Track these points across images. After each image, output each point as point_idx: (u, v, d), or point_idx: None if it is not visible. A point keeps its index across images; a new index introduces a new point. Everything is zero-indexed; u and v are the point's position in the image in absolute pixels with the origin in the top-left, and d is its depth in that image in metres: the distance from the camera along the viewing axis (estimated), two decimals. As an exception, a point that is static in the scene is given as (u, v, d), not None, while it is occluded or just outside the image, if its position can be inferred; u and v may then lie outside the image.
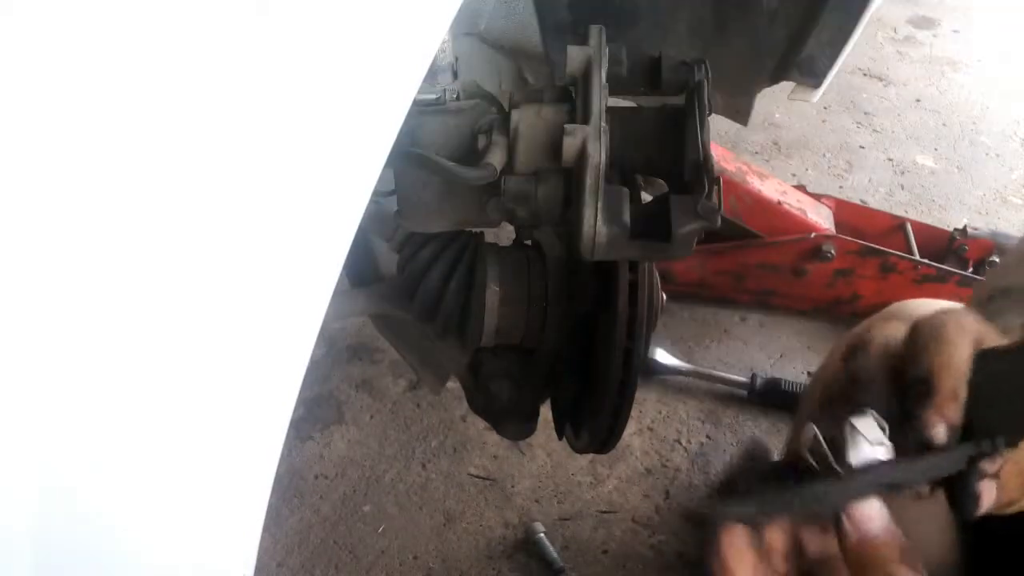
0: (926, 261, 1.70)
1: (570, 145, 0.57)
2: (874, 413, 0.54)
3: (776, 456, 0.59)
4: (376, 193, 0.45)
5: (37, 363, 0.32)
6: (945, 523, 0.84)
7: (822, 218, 1.75)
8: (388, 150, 0.42)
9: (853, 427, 0.53)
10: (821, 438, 0.53)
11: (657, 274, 0.74)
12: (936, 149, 2.41)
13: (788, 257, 1.70)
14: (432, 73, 0.68)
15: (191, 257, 0.35)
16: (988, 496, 0.52)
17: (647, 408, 1.57)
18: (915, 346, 0.55)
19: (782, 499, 0.52)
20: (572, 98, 0.64)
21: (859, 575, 0.50)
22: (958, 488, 0.53)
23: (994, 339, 0.54)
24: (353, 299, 0.85)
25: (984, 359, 0.53)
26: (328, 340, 1.73)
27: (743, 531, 0.52)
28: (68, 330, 0.33)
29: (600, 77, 0.59)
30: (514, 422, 0.81)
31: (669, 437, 1.54)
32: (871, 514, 0.50)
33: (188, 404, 0.38)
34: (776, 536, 0.53)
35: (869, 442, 0.52)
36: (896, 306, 1.04)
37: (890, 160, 2.35)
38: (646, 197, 0.71)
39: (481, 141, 0.66)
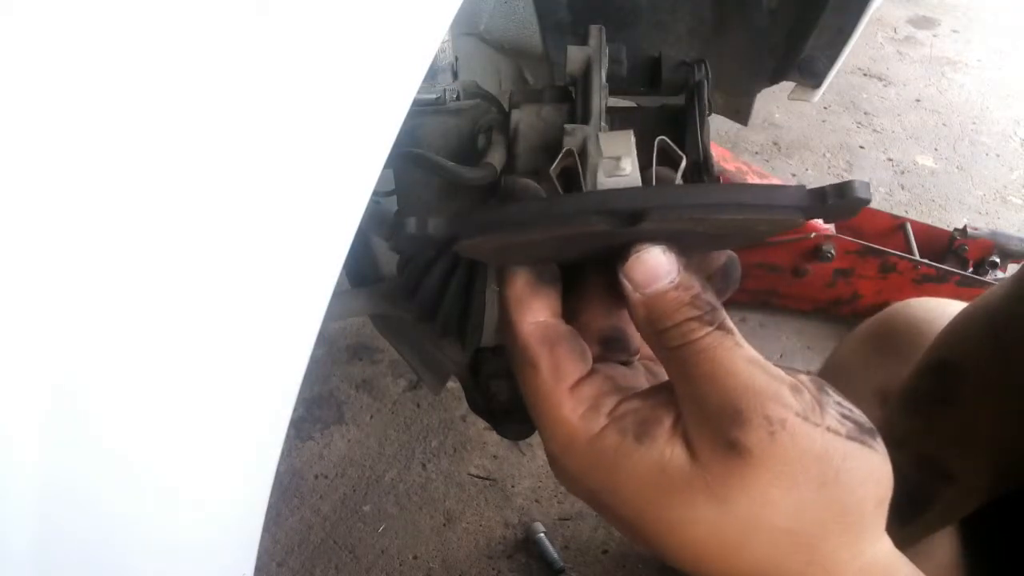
0: (926, 261, 1.70)
1: (570, 145, 0.57)
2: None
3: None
4: (376, 193, 0.45)
5: (35, 365, 0.32)
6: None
7: (822, 218, 1.75)
8: (388, 150, 0.42)
9: (597, 144, 0.43)
10: (574, 153, 0.44)
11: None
12: (936, 149, 2.41)
13: (788, 257, 1.70)
14: (432, 73, 0.68)
15: (190, 257, 0.35)
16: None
17: (647, 408, 1.57)
18: None
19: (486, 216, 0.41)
20: (572, 98, 0.64)
21: (652, 340, 0.42)
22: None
23: None
24: (353, 299, 0.85)
25: None
26: (328, 340, 1.73)
27: (527, 282, 0.44)
28: (67, 331, 0.33)
29: (600, 77, 0.59)
30: (514, 422, 0.81)
31: (669, 437, 1.54)
32: (652, 265, 0.41)
33: (188, 404, 0.38)
34: (587, 315, 0.46)
35: (616, 166, 0.42)
36: (896, 306, 1.04)
37: (890, 160, 2.35)
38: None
39: (481, 141, 0.66)
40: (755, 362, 0.40)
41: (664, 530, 0.41)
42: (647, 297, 0.41)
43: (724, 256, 0.47)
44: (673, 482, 0.40)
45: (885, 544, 0.42)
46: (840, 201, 0.40)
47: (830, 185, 0.40)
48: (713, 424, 0.39)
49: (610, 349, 0.47)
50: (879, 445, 0.41)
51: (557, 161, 0.46)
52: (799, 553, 0.40)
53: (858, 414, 0.41)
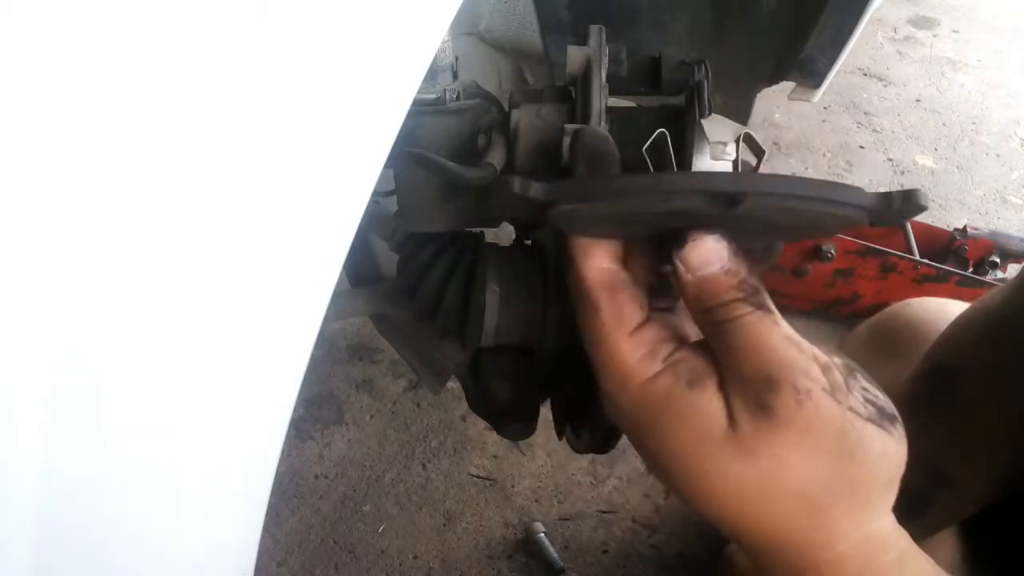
0: (926, 261, 1.70)
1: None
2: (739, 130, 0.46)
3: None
4: (376, 193, 0.45)
5: (36, 365, 0.32)
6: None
7: (822, 218, 1.75)
8: (388, 150, 0.42)
9: (701, 129, 0.45)
10: (668, 135, 0.46)
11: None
12: (936, 149, 2.41)
13: (788, 257, 1.70)
14: (432, 73, 0.68)
15: (190, 257, 0.35)
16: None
17: (647, 408, 1.57)
18: None
19: (596, 185, 0.43)
20: (572, 98, 0.64)
21: (698, 315, 0.46)
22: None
23: None
24: (353, 299, 0.85)
25: None
26: (328, 340, 1.73)
27: (603, 251, 0.47)
28: (68, 332, 0.33)
29: (600, 77, 0.59)
30: (514, 422, 0.81)
31: (669, 437, 1.54)
32: (706, 252, 0.45)
33: (188, 404, 0.38)
34: (636, 267, 0.49)
35: (712, 150, 0.45)
36: (896, 306, 1.05)
37: (890, 160, 2.35)
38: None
39: (481, 141, 0.66)
40: (791, 339, 0.44)
41: (694, 478, 0.45)
42: (698, 278, 0.45)
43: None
44: (711, 434, 0.44)
45: (888, 519, 0.46)
46: (905, 207, 0.42)
47: (897, 191, 0.43)
48: (750, 388, 0.43)
49: (654, 296, 0.50)
50: (896, 431, 0.44)
51: (651, 140, 0.48)
52: (806, 515, 0.43)
53: (883, 400, 0.45)
